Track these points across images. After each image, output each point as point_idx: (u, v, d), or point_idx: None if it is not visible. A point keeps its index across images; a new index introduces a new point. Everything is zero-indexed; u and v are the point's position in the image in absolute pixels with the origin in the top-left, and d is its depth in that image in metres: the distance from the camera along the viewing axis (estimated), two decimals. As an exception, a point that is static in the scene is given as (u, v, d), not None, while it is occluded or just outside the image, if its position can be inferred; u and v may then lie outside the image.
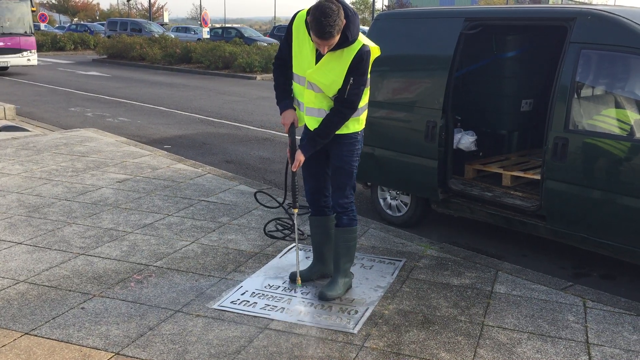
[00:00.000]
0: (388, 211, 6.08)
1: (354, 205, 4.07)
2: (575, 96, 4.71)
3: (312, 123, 3.84)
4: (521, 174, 5.53)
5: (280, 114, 3.97)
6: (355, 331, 3.62)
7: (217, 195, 6.29)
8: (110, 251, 4.78)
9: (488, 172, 5.83)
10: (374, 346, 3.46)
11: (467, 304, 4.04)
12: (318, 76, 3.72)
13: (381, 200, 6.13)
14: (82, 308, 3.85)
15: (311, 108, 3.83)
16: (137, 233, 5.18)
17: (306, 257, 4.71)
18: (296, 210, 4.02)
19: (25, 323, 3.65)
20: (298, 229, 5.08)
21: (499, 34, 6.00)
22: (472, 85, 6.23)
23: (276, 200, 5.51)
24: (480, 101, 6.23)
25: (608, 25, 4.56)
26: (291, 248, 4.91)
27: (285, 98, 3.94)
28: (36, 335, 3.52)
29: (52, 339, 3.48)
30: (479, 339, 3.58)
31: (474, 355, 3.39)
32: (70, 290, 4.09)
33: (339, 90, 3.75)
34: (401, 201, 5.98)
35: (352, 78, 3.70)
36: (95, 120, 11.60)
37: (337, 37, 3.55)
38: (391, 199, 6.07)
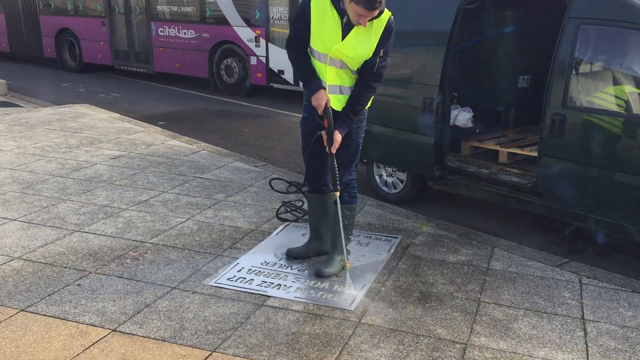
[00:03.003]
0: (384, 188, 6.06)
1: (356, 182, 4.05)
2: (574, 72, 4.67)
3: (334, 101, 3.78)
4: (518, 151, 5.51)
5: (312, 95, 3.78)
6: (352, 308, 3.62)
7: (213, 172, 6.25)
8: (105, 228, 4.75)
9: (484, 149, 5.81)
10: (371, 323, 3.47)
11: (464, 280, 4.04)
12: (346, 50, 3.65)
13: (377, 177, 6.11)
14: (78, 285, 3.84)
15: (333, 85, 3.78)
16: (132, 210, 5.15)
17: (302, 235, 4.69)
18: (337, 193, 3.84)
19: (21, 300, 3.64)
20: (301, 209, 5.06)
21: (497, 9, 5.94)
22: (469, 61, 6.18)
23: (294, 185, 5.46)
24: (477, 77, 6.18)
25: (607, 0, 4.51)
26: (287, 225, 4.89)
27: (315, 78, 3.78)
28: (32, 312, 3.51)
29: (48, 316, 3.47)
30: (475, 315, 3.59)
31: (471, 332, 3.40)
32: (65, 267, 4.07)
33: (367, 63, 3.71)
34: (397, 178, 5.96)
35: (382, 50, 3.68)
36: (88, 96, 11.49)
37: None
38: (387, 175, 6.05)
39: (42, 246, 4.39)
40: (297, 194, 5.43)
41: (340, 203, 3.95)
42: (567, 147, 4.62)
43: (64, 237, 4.57)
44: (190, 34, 12.15)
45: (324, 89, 3.75)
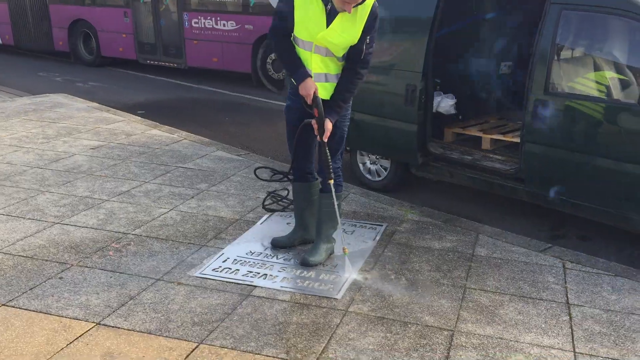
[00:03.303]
0: (367, 176, 6.05)
1: (341, 170, 4.03)
2: (556, 58, 4.69)
3: (320, 89, 3.74)
4: (500, 137, 5.53)
5: (299, 84, 3.71)
6: (339, 296, 3.61)
7: (195, 162, 6.19)
8: (86, 219, 4.68)
9: (467, 136, 5.82)
10: (358, 311, 3.46)
11: (449, 267, 4.05)
12: (331, 38, 3.61)
13: (360, 165, 6.09)
14: (60, 278, 3.78)
15: (319, 73, 3.73)
16: (113, 201, 5.08)
17: (287, 224, 4.67)
18: (331, 181, 3.82)
19: (2, 294, 3.57)
20: (287, 199, 5.02)
21: (478, -5, 5.93)
22: (450, 47, 6.17)
23: (280, 172, 5.42)
24: (460, 64, 6.18)
25: (589, -14, 4.52)
26: (271, 215, 4.86)
27: (301, 66, 3.72)
28: (13, 307, 3.45)
29: (30, 310, 3.41)
30: (462, 301, 3.60)
31: (458, 318, 3.41)
32: (47, 260, 4.01)
33: (354, 51, 3.68)
34: (381, 165, 5.95)
35: (368, 37, 3.66)
36: (64, 85, 11.29)
37: None
38: (370, 163, 6.04)
39: (21, 239, 4.31)
40: (282, 183, 5.39)
41: (326, 191, 3.93)
42: (550, 133, 4.63)
43: (44, 229, 4.49)
44: (230, 25, 11.04)
45: (311, 77, 3.71)
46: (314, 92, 3.69)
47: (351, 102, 3.96)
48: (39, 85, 11.36)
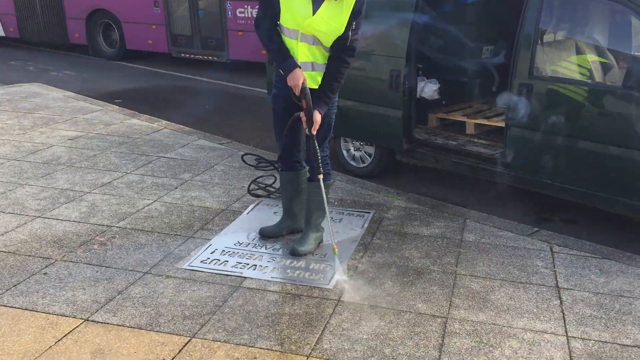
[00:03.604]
0: (352, 162, 6.02)
1: (329, 159, 3.98)
2: (540, 42, 4.68)
3: (307, 79, 3.66)
4: (484, 122, 5.53)
5: (287, 75, 3.63)
6: (331, 286, 3.58)
7: (176, 151, 6.10)
8: (68, 213, 4.59)
9: (451, 121, 5.81)
10: (351, 300, 3.44)
11: (439, 253, 4.05)
12: (318, 25, 3.55)
13: (344, 152, 6.06)
14: (45, 274, 3.69)
15: (305, 62, 3.66)
16: (95, 193, 4.99)
17: (274, 213, 4.62)
18: (321, 176, 3.73)
19: (-15, 292, 3.48)
20: (272, 187, 4.98)
21: (460, -21, 5.90)
22: (433, 32, 6.13)
23: (268, 161, 5.34)
24: (442, 48, 6.15)
25: (573, -31, 4.52)
26: (258, 204, 4.81)
27: (289, 56, 3.64)
28: (-2, 304, 3.36)
29: (15, 308, 3.33)
30: (453, 288, 3.60)
31: (450, 305, 3.41)
32: (29, 256, 3.91)
33: (340, 37, 3.61)
34: (365, 152, 5.92)
35: (354, 23, 3.59)
36: (38, 74, 11.05)
37: None
38: (354, 150, 6.00)
39: (2, 234, 4.21)
40: (268, 171, 5.34)
41: (315, 180, 3.88)
42: (534, 117, 4.64)
43: (25, 223, 4.39)
44: None
45: (299, 67, 3.64)
46: (303, 83, 3.63)
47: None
48: (12, 74, 11.11)
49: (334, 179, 5.39)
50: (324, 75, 3.73)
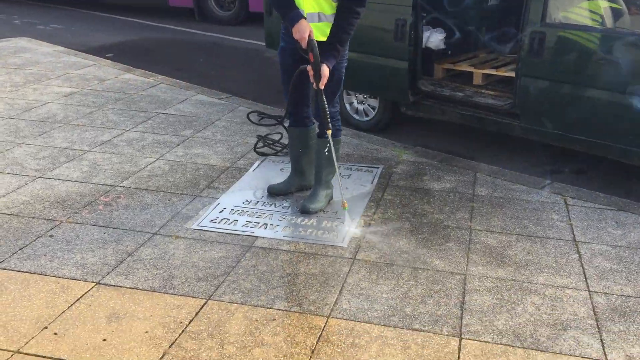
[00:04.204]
0: (355, 116, 5.89)
1: (339, 114, 3.86)
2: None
3: (315, 31, 3.49)
4: (493, 72, 5.40)
5: (292, 27, 3.45)
6: (345, 244, 3.51)
7: (175, 107, 5.94)
8: (69, 172, 4.46)
9: (458, 71, 5.67)
10: (366, 259, 3.37)
11: (452, 208, 3.98)
12: None
13: (347, 105, 5.92)
14: (51, 236, 3.60)
15: (311, 13, 3.49)
16: (95, 151, 4.85)
17: (280, 169, 4.52)
18: (329, 132, 3.60)
19: (-9, 256, 3.39)
20: (279, 143, 4.85)
21: None
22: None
23: (272, 117, 5.19)
24: (447, -4, 5.96)
25: None
26: (263, 161, 4.70)
27: (294, 7, 3.46)
28: (5, 269, 3.27)
29: (23, 272, 3.24)
30: (469, 244, 3.54)
31: (468, 261, 3.36)
32: (34, 218, 3.81)
33: None
34: (369, 105, 5.79)
35: None
36: (25, 28, 10.70)
37: None
38: (358, 103, 5.87)
39: (3, 195, 4.09)
40: (274, 127, 5.21)
41: (324, 136, 3.77)
42: (547, 66, 4.51)
43: (26, 184, 4.27)
44: None
45: (305, 18, 3.46)
46: (309, 35, 3.46)
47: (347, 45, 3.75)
48: (-2, 29, 10.76)
49: (339, 133, 5.27)
50: (332, 27, 3.56)
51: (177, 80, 6.92)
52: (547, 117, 4.62)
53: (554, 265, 3.32)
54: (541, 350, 2.65)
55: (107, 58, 8.18)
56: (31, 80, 6.80)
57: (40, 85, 6.62)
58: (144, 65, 7.82)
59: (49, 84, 6.67)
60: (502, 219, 3.84)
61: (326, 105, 3.57)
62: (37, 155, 4.76)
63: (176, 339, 2.72)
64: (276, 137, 5.00)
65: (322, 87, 3.52)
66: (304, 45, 3.48)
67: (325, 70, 3.50)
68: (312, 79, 3.53)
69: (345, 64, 3.78)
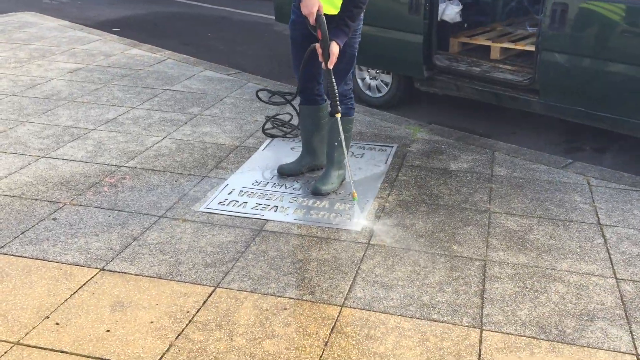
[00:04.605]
0: (367, 92, 5.70)
1: (353, 92, 3.68)
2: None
3: (325, 5, 3.29)
4: (512, 46, 5.19)
5: (300, 2, 3.29)
6: (359, 228, 3.37)
7: (183, 83, 5.78)
8: (74, 152, 4.33)
9: (474, 45, 5.46)
10: (381, 243, 3.23)
11: (469, 189, 3.82)
12: None
13: (359, 81, 5.73)
14: (54, 219, 3.47)
15: None
16: (100, 130, 4.71)
17: (291, 149, 4.36)
18: (339, 115, 3.41)
19: (-8, 241, 3.27)
20: (289, 124, 4.69)
21: None
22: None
23: (284, 98, 5.02)
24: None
25: None
26: (273, 139, 4.54)
27: None
28: (5, 254, 3.15)
29: (25, 257, 3.12)
30: (489, 227, 3.38)
31: (487, 246, 3.20)
32: (36, 200, 3.69)
33: None
34: (381, 81, 5.60)
35: None
36: (29, 2, 10.52)
37: None
38: (370, 78, 5.68)
39: (5, 176, 3.97)
40: (280, 105, 5.05)
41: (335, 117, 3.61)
42: (569, 39, 4.30)
43: (29, 164, 4.14)
44: None
45: None
46: (318, 10, 3.26)
47: (361, 19, 3.54)
48: (1, 3, 10.58)
49: (351, 110, 5.09)
50: (342, 1, 3.36)
51: (185, 56, 6.75)
52: (569, 93, 4.43)
53: (578, 250, 3.17)
54: (567, 343, 2.51)
55: (114, 33, 8.01)
56: (36, 56, 6.65)
57: (45, 61, 6.47)
58: (150, 40, 7.65)
59: (54, 60, 6.51)
60: (522, 200, 3.68)
61: (335, 87, 3.38)
62: (41, 134, 4.63)
63: (183, 330, 2.60)
64: (286, 117, 4.82)
65: (330, 66, 3.34)
66: (312, 21, 3.29)
67: (335, 48, 3.30)
68: (320, 58, 3.34)
69: (359, 40, 3.59)
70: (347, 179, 3.85)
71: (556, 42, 4.36)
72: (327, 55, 3.30)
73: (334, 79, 3.37)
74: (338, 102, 3.40)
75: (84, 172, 4.03)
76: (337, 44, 3.31)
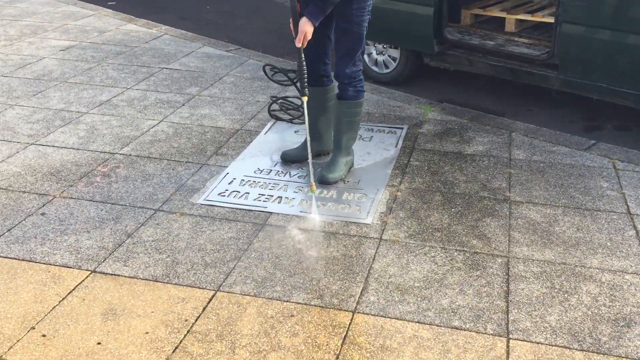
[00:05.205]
0: (374, 68, 5.41)
1: (362, 74, 3.40)
2: None
3: None
4: (528, 17, 4.88)
5: None
6: (369, 221, 3.12)
7: (180, 61, 5.49)
8: (65, 138, 4.08)
9: (488, 17, 5.15)
10: (394, 238, 2.99)
11: (487, 176, 3.56)
12: None
13: (366, 56, 5.42)
14: (43, 214, 3.24)
15: None
16: (93, 113, 4.45)
17: (295, 132, 4.10)
18: (305, 98, 3.19)
19: (-25, 240, 3.04)
20: (299, 107, 4.41)
21: None
22: None
23: (287, 76, 4.72)
24: None
25: None
26: (276, 122, 4.28)
27: None
28: (-9, 254, 2.93)
29: (10, 258, 2.90)
30: (510, 218, 3.14)
31: (509, 240, 2.96)
32: (24, 192, 3.45)
33: None
34: (389, 56, 5.30)
35: None
36: (22, -24, 10.15)
37: None
38: (377, 53, 5.37)
39: (-8, 166, 3.73)
40: (284, 84, 4.76)
41: (345, 98, 3.35)
42: (592, 10, 4.01)
43: (18, 152, 3.90)
44: None
45: None
46: None
47: None
48: (-6, -23, 10.20)
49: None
50: None
51: (182, 31, 6.44)
52: (591, 68, 4.15)
53: (608, 244, 2.92)
54: (603, 354, 2.28)
55: (109, 7, 7.67)
56: (27, 33, 6.35)
57: (37, 39, 6.17)
58: (147, 14, 7.32)
59: (46, 37, 6.22)
60: (544, 187, 3.42)
61: (304, 66, 3.11)
62: (31, 118, 4.37)
63: (181, 342, 2.38)
64: (297, 102, 4.51)
65: (297, 44, 3.07)
66: None
67: (304, 25, 3.03)
68: (294, 33, 3.08)
69: (367, 17, 3.28)
70: (357, 165, 3.61)
71: (578, 12, 4.06)
72: (296, 31, 3.07)
73: (303, 59, 3.11)
74: (305, 84, 3.15)
75: (75, 161, 3.78)
76: (309, 20, 3.04)
